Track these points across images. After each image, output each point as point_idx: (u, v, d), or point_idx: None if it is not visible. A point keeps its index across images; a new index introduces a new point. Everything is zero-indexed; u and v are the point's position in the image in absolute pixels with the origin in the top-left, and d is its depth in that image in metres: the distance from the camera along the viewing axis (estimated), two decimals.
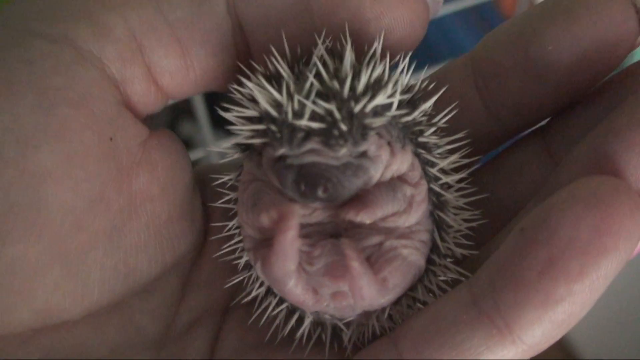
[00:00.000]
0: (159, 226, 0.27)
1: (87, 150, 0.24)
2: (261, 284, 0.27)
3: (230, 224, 0.27)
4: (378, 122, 0.23)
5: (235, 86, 0.25)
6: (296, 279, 0.24)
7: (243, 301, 0.28)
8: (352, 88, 0.23)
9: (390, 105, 0.23)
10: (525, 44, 0.25)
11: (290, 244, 0.23)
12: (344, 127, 0.22)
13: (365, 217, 0.24)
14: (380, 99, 0.23)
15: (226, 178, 0.28)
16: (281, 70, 0.24)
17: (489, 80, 0.27)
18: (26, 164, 0.23)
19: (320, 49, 0.24)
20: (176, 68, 0.26)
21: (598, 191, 0.20)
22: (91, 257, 0.25)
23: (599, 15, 0.24)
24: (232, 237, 0.27)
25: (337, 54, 0.24)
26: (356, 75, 0.23)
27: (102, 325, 0.26)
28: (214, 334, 0.28)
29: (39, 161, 0.23)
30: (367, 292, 0.24)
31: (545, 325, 0.20)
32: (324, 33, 0.25)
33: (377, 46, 0.24)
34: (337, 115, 0.22)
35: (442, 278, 0.26)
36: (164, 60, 0.25)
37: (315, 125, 0.22)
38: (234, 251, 0.28)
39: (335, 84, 0.23)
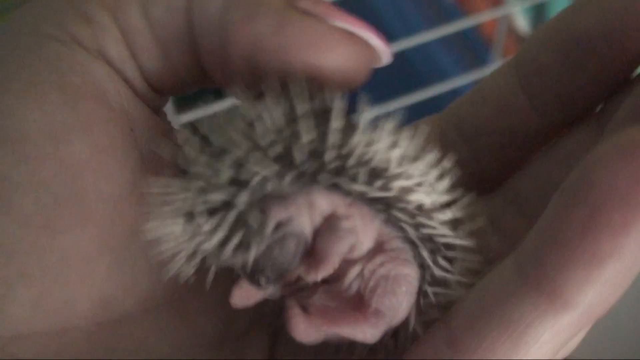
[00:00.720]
0: None
1: (114, 141, 0.25)
2: None
3: None
4: (257, 215, 0.22)
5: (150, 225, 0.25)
6: (323, 335, 0.24)
7: None
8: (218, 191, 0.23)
9: (263, 179, 0.22)
10: (562, 38, 0.26)
11: (307, 328, 0.23)
12: (239, 236, 0.22)
13: (324, 272, 0.23)
14: (248, 187, 0.22)
15: None
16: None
17: (532, 77, 0.27)
18: (63, 157, 0.24)
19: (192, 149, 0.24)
20: (161, 64, 0.26)
21: (636, 140, 0.19)
22: (135, 246, 0.25)
23: (628, 2, 0.24)
24: None
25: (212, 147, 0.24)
26: (217, 176, 0.23)
27: (162, 324, 0.26)
28: (273, 334, 0.27)
29: (74, 154, 0.24)
30: (362, 330, 0.23)
31: (595, 285, 0.19)
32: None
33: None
34: (227, 221, 0.22)
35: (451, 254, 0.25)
36: (148, 63, 0.26)
37: (212, 243, 0.22)
38: None
39: (212, 196, 0.23)
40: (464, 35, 0.69)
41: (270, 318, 0.28)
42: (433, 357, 0.23)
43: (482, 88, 0.30)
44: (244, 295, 0.24)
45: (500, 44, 0.58)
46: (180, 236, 0.23)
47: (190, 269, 0.24)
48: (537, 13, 0.72)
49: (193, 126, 0.25)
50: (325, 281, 0.24)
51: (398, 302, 0.24)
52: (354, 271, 0.24)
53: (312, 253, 0.24)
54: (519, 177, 0.29)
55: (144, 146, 0.26)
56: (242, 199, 0.22)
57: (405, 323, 0.24)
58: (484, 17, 0.54)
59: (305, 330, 0.23)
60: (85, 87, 0.24)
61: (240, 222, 0.22)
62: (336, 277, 0.24)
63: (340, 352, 0.26)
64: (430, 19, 0.69)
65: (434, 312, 0.24)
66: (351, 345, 0.25)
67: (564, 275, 0.20)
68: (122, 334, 0.25)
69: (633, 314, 0.72)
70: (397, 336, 0.25)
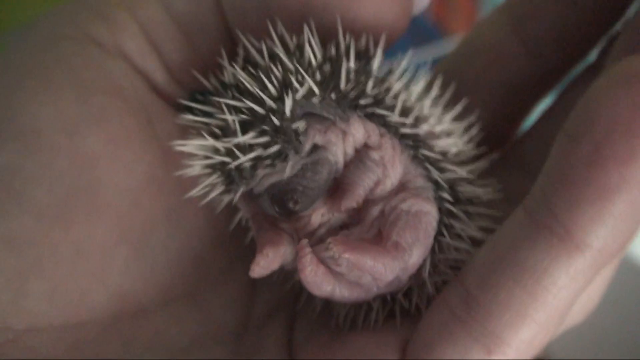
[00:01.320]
0: (213, 210, 0.26)
1: (130, 133, 0.25)
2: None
3: None
4: (302, 124, 0.22)
5: (180, 142, 0.25)
6: (338, 288, 0.23)
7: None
8: (262, 101, 0.23)
9: (310, 93, 0.23)
10: None
11: (314, 274, 0.22)
12: (277, 146, 0.22)
13: (349, 203, 0.23)
14: (289, 103, 0.22)
15: None
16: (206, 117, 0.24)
17: (526, 20, 0.27)
18: (76, 150, 0.24)
19: (236, 68, 0.24)
20: (185, 60, 0.26)
21: (635, 68, 0.18)
22: (154, 238, 0.25)
23: None
24: None
25: (252, 67, 0.24)
26: (264, 90, 0.23)
27: (181, 316, 0.25)
28: (289, 325, 0.27)
29: (88, 146, 0.24)
30: (380, 269, 0.23)
31: (607, 221, 0.18)
32: (242, 43, 0.25)
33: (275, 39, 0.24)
34: (268, 135, 0.22)
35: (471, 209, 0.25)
36: (174, 54, 0.26)
37: (250, 156, 0.22)
38: None
39: (252, 112, 0.23)
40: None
41: (287, 301, 0.28)
42: (449, 317, 0.22)
43: (472, 39, 0.29)
44: (264, 265, 0.23)
45: None
46: (216, 150, 0.23)
47: (220, 191, 0.24)
48: None
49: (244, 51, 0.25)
50: (345, 226, 0.24)
51: (417, 238, 0.23)
52: (375, 210, 0.24)
53: (338, 186, 0.24)
54: (524, 142, 0.29)
55: (164, 139, 0.26)
56: (286, 109, 0.22)
57: (419, 276, 0.24)
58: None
59: (316, 274, 0.22)
60: (99, 82, 0.25)
61: (279, 133, 0.22)
62: (357, 221, 0.24)
63: (355, 326, 0.26)
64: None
65: (448, 272, 0.24)
66: (367, 314, 0.25)
67: (574, 214, 0.19)
68: (139, 326, 0.25)
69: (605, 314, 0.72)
70: (411, 295, 0.25)
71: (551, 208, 0.19)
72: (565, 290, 0.20)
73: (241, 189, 0.23)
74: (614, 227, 0.18)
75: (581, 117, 0.19)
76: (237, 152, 0.23)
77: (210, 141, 0.23)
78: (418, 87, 0.26)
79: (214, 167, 0.24)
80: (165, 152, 0.25)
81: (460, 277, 0.22)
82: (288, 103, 0.22)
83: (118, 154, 0.24)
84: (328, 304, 0.26)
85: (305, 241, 0.23)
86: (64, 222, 0.23)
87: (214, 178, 0.24)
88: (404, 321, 0.25)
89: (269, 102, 0.23)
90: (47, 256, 0.23)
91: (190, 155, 0.24)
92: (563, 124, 0.25)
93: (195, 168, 0.24)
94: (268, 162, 0.22)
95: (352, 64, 0.24)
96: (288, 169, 0.23)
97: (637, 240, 0.68)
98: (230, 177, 0.23)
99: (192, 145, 0.24)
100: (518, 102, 0.28)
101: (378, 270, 0.23)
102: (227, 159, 0.23)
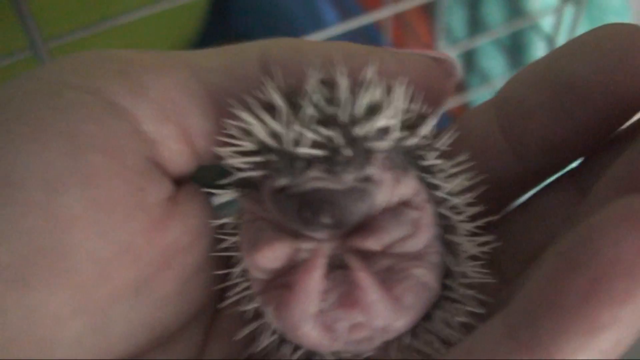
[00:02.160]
0: (188, 277, 0.26)
1: (116, 198, 0.23)
2: (274, 332, 0.26)
3: (236, 270, 0.26)
4: (381, 145, 0.23)
5: (229, 120, 0.24)
6: (313, 321, 0.23)
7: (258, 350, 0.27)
8: (351, 112, 0.23)
9: (390, 128, 0.23)
10: (553, 81, 0.25)
11: (315, 284, 0.22)
12: (347, 153, 0.22)
13: (372, 243, 0.23)
14: (382, 122, 0.23)
15: (224, 221, 0.27)
16: (276, 101, 0.24)
17: (515, 120, 0.26)
18: (52, 208, 0.22)
19: (313, 79, 0.24)
20: (212, 130, 0.25)
21: (638, 210, 0.19)
22: (116, 311, 0.24)
23: (629, 49, 0.24)
24: (236, 285, 0.26)
25: (330, 84, 0.24)
26: (354, 100, 0.23)
27: None
28: None
29: (66, 206, 0.22)
30: (380, 308, 0.23)
31: (590, 354, 0.19)
32: (310, 66, 0.25)
33: (371, 71, 0.24)
34: (339, 141, 0.22)
35: (459, 306, 0.25)
36: (200, 122, 0.25)
37: (316, 152, 0.22)
38: (241, 300, 0.26)
39: (334, 109, 0.23)
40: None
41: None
42: None
43: (460, 127, 0.29)
44: (272, 255, 0.23)
45: None
46: (273, 134, 0.23)
47: (259, 174, 0.23)
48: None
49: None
50: (343, 267, 0.24)
51: (415, 305, 0.24)
52: (385, 263, 0.24)
53: (364, 225, 0.24)
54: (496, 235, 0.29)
55: (154, 210, 0.25)
56: (358, 131, 0.22)
57: (391, 345, 0.25)
58: None
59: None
60: (97, 139, 0.23)
61: (351, 145, 0.22)
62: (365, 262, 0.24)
63: None
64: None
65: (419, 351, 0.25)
66: None
67: (560, 342, 0.19)
68: None
69: None
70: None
71: (536, 331, 0.19)
72: None
73: (283, 181, 0.23)
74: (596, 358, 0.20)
75: (581, 248, 0.19)
76: (300, 142, 0.22)
77: (273, 122, 0.23)
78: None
79: (262, 149, 0.23)
80: (153, 220, 0.24)
81: None
82: (376, 124, 0.22)
83: (97, 219, 0.23)
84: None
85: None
86: (20, 285, 0.22)
87: (257, 158, 0.23)
88: None
89: (352, 115, 0.23)
90: None
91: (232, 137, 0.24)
92: (537, 224, 0.27)
93: (246, 145, 0.23)
94: (326, 165, 0.22)
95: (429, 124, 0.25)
96: (346, 181, 0.22)
97: None
98: (279, 163, 0.23)
99: (251, 120, 0.23)
100: (496, 196, 0.28)
101: (368, 301, 0.23)
102: (285, 146, 0.22)
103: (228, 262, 0.27)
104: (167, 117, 0.25)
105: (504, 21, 0.68)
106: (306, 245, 0.24)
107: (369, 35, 0.67)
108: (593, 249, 0.19)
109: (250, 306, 0.26)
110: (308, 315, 0.23)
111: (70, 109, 0.23)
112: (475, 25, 0.71)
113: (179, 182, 0.26)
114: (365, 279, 0.23)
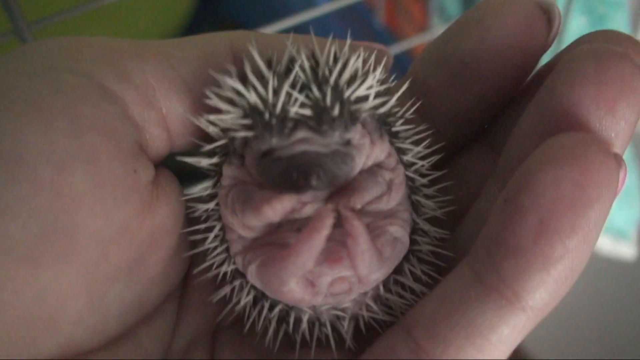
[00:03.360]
0: (171, 258, 0.27)
1: (116, 179, 0.23)
2: (248, 292, 0.26)
3: (210, 235, 0.27)
4: (364, 108, 0.24)
5: (213, 89, 0.25)
6: (298, 277, 0.24)
7: (233, 315, 0.28)
8: (337, 78, 0.24)
9: (370, 95, 0.24)
10: (448, 59, 0.27)
11: (319, 243, 0.23)
12: (335, 113, 0.23)
13: (355, 202, 0.24)
14: (364, 88, 0.24)
15: (198, 188, 0.27)
16: (262, 69, 0.24)
17: (423, 98, 0.28)
18: (60, 187, 0.22)
19: (292, 51, 0.25)
20: (186, 116, 0.26)
21: (569, 147, 0.21)
22: (112, 291, 0.24)
23: (507, 21, 0.25)
24: (206, 252, 0.27)
25: (312, 56, 0.25)
26: (338, 68, 0.24)
27: (117, 352, 0.25)
28: (210, 354, 0.28)
29: (73, 185, 0.22)
30: (368, 257, 0.24)
31: (550, 286, 0.21)
32: (291, 37, 0.26)
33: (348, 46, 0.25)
34: (327, 101, 0.23)
35: (424, 254, 0.27)
36: (177, 108, 0.26)
37: (306, 111, 0.23)
38: (212, 267, 0.27)
39: (321, 73, 0.24)
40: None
41: (209, 329, 0.28)
42: None
43: None
44: (280, 208, 0.24)
45: None
46: (260, 96, 0.23)
47: (246, 134, 0.24)
48: None
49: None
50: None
51: (391, 257, 0.25)
52: (364, 220, 0.25)
53: (345, 186, 0.25)
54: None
55: (145, 192, 0.25)
56: (345, 94, 0.23)
57: (365, 296, 0.26)
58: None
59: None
60: (95, 120, 0.23)
61: (335, 107, 0.23)
62: (338, 225, 0.24)
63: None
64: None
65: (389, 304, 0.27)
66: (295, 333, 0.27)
67: (522, 281, 0.21)
68: None
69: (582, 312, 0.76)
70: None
71: (500, 273, 0.21)
72: (509, 345, 0.22)
73: (271, 142, 0.23)
74: (555, 290, 0.21)
75: (523, 191, 0.21)
76: (288, 103, 0.23)
77: (260, 84, 0.23)
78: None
79: (247, 110, 0.24)
80: (144, 203, 0.25)
81: (406, 326, 0.24)
82: (360, 89, 0.24)
83: (101, 199, 0.23)
84: (257, 319, 0.27)
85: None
86: (31, 265, 0.22)
87: (245, 121, 0.24)
88: (339, 351, 0.26)
89: (337, 80, 0.24)
90: (8, 298, 0.22)
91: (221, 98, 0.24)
92: (458, 182, 0.28)
93: (232, 111, 0.24)
94: (314, 124, 0.23)
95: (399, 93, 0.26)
96: (331, 142, 0.23)
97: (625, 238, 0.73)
98: (267, 125, 0.23)
99: (238, 86, 0.24)
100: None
101: (359, 250, 0.24)
102: (273, 108, 0.23)
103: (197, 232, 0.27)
104: (150, 102, 0.25)
105: None
106: (306, 198, 0.25)
107: (361, 15, 0.67)
108: (535, 192, 0.21)
109: (225, 269, 0.27)
110: (300, 272, 0.24)
111: (67, 90, 0.23)
112: (470, 3, 0.70)
113: (156, 166, 0.27)
114: (359, 227, 0.23)
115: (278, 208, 0.24)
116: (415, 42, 0.58)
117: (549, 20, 0.25)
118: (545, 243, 0.20)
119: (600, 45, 0.23)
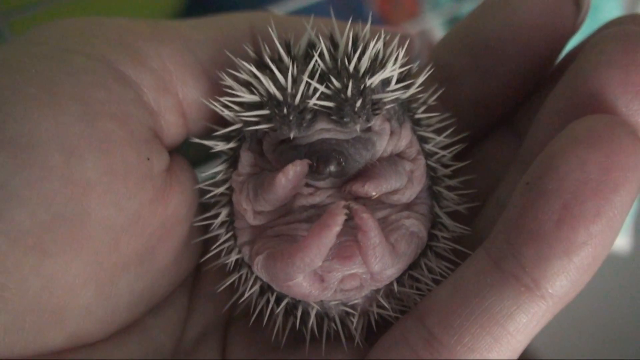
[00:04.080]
0: (182, 248, 0.26)
1: (128, 167, 0.23)
2: (254, 283, 0.26)
3: (216, 221, 0.26)
4: (387, 96, 0.23)
5: (230, 71, 0.24)
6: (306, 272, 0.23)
7: (242, 305, 0.27)
8: (357, 65, 0.23)
9: (391, 80, 0.24)
10: (471, 44, 0.26)
11: (330, 239, 0.22)
12: (357, 105, 0.22)
13: (371, 189, 0.23)
14: (386, 73, 0.23)
15: (211, 172, 0.27)
16: (282, 55, 0.24)
17: (444, 84, 0.27)
18: (70, 173, 0.21)
19: (311, 35, 0.25)
20: (203, 102, 0.25)
21: (595, 130, 0.20)
22: (122, 281, 0.24)
23: (535, 2, 0.25)
24: (215, 240, 0.26)
25: (331, 40, 0.25)
26: (358, 54, 0.23)
27: (125, 343, 0.25)
28: (221, 345, 0.27)
29: (83, 171, 0.22)
30: (380, 252, 0.23)
31: (572, 273, 0.20)
32: (311, 20, 0.26)
33: (367, 31, 0.25)
34: (349, 93, 0.22)
35: (442, 250, 0.26)
36: (193, 93, 0.25)
37: (327, 104, 0.22)
38: (219, 256, 0.27)
39: (340, 60, 0.23)
40: None
41: (220, 322, 0.28)
42: (410, 356, 0.22)
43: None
44: (289, 174, 0.23)
45: None
46: (281, 87, 0.23)
47: (268, 127, 0.23)
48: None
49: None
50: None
51: (406, 253, 0.24)
52: (380, 214, 0.24)
53: (363, 172, 0.24)
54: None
55: (158, 181, 0.24)
56: (366, 83, 0.23)
57: (378, 293, 0.25)
58: None
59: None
60: (108, 106, 0.23)
61: (356, 99, 0.23)
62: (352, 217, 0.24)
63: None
64: None
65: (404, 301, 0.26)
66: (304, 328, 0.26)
67: (542, 268, 0.20)
68: (87, 355, 0.24)
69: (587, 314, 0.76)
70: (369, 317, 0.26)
71: (519, 259, 0.20)
72: (527, 334, 0.21)
73: (291, 133, 0.23)
74: (576, 277, 0.20)
75: (547, 174, 0.20)
76: (308, 94, 0.23)
77: (279, 75, 0.23)
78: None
79: (265, 100, 0.23)
80: (157, 191, 0.24)
81: (418, 315, 0.23)
82: (381, 76, 0.23)
83: (113, 187, 0.22)
84: (265, 311, 0.26)
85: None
86: (39, 253, 0.21)
87: (263, 112, 0.23)
88: (349, 346, 0.26)
89: (358, 68, 0.23)
90: (13, 287, 0.21)
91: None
92: (480, 169, 0.27)
93: (250, 98, 0.23)
94: (335, 117, 0.23)
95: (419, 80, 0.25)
96: (352, 131, 0.23)
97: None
98: (287, 117, 0.23)
99: (256, 72, 0.23)
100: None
101: (371, 246, 0.23)
102: (292, 99, 0.22)
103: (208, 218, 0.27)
104: (166, 88, 0.25)
105: None
106: (304, 191, 0.24)
107: (352, 2, 0.66)
108: (559, 174, 0.20)
109: (232, 258, 0.26)
110: (307, 269, 0.23)
111: (80, 74, 0.23)
112: None
113: (170, 153, 0.26)
114: (369, 220, 0.22)
115: (290, 173, 0.23)
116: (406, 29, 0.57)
117: (577, 2, 0.25)
118: (568, 228, 0.20)
119: (630, 28, 0.22)
